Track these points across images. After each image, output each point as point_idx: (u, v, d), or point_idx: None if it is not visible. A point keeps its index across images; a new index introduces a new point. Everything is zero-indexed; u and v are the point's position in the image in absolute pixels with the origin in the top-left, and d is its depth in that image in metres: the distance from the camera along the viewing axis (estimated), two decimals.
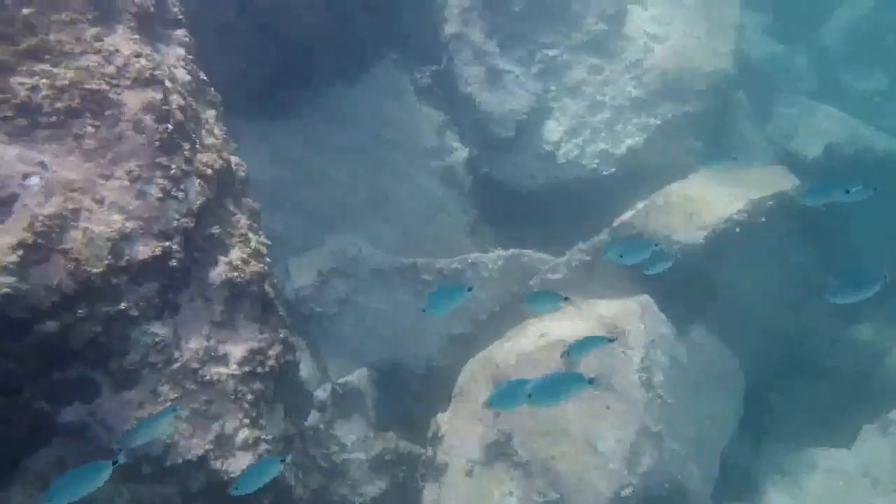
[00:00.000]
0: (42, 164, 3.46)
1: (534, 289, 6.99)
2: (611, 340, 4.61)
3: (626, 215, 6.98)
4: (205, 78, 4.76)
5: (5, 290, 3.24)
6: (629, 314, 5.49)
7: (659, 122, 7.81)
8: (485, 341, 6.52)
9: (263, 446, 4.02)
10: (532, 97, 8.12)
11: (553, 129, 8.15)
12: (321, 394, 6.07)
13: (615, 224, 6.97)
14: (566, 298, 4.36)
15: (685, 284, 6.54)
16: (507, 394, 3.73)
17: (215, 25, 5.97)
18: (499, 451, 5.32)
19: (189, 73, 4.51)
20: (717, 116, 7.95)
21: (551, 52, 8.32)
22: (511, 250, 7.28)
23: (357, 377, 6.18)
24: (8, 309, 3.30)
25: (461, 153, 8.24)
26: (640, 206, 7.12)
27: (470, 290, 3.56)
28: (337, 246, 6.99)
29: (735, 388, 6.21)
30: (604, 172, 7.97)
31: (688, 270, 6.45)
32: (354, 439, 5.86)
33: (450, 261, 7.19)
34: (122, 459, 2.96)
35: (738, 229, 6.54)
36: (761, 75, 10.34)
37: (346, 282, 6.76)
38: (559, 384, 3.53)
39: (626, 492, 4.82)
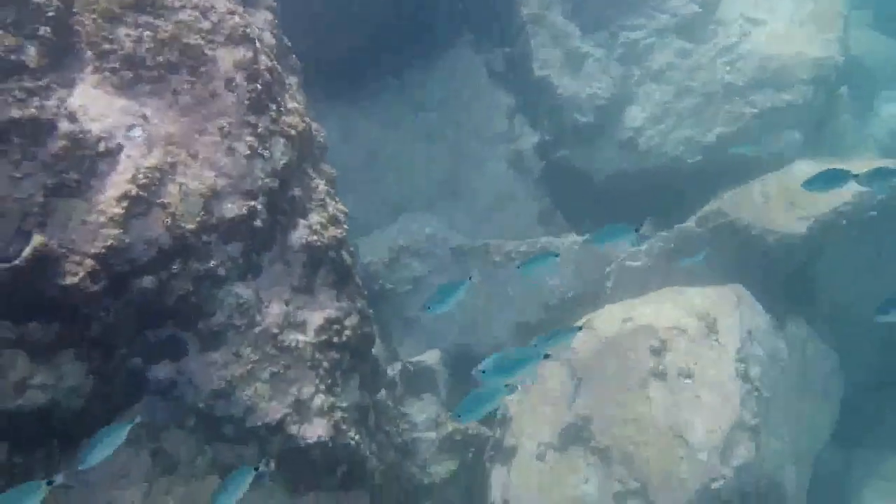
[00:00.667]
0: (144, 117, 3.49)
1: (611, 276, 6.70)
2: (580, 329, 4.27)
3: (715, 204, 6.59)
4: (288, 44, 4.74)
5: (110, 241, 3.27)
6: (724, 303, 5.15)
7: (755, 111, 7.34)
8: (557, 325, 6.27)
9: (339, 413, 3.96)
10: (614, 82, 7.80)
11: (635, 115, 7.81)
12: (390, 371, 5.99)
13: (702, 212, 6.60)
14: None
15: (782, 279, 6.12)
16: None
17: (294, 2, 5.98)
18: (575, 436, 5.09)
19: (274, 37, 4.50)
20: (820, 107, 7.40)
21: (635, 35, 7.99)
22: (587, 235, 7.02)
23: (429, 357, 6.07)
24: (111, 262, 3.33)
25: (532, 139, 8.05)
26: (728, 194, 6.72)
27: (471, 279, 3.37)
28: (410, 224, 6.92)
29: (834, 389, 5.75)
30: (689, 161, 7.57)
31: (786, 264, 6.03)
32: (425, 418, 5.75)
33: (519, 243, 7.00)
34: (58, 480, 2.85)
35: (844, 222, 6.06)
36: (864, 69, 9.64)
37: (421, 260, 6.67)
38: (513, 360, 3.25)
39: (717, 484, 4.50)
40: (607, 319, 5.53)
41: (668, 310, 5.31)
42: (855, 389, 6.62)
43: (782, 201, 6.09)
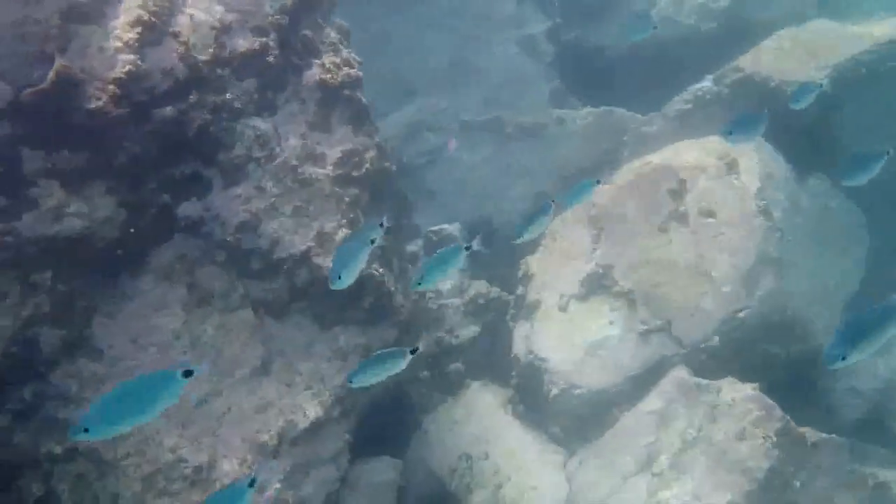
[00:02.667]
0: None
1: (626, 144, 6.65)
2: (598, 182, 4.14)
3: (731, 63, 6.44)
4: None
5: (129, 67, 3.29)
6: (743, 147, 5.07)
7: None
8: None
9: None
10: None
11: None
12: (412, 247, 6.08)
13: (719, 71, 6.45)
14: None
15: (802, 133, 6.00)
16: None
17: None
18: (596, 284, 5.17)
19: None
20: None
21: None
22: (602, 107, 6.94)
23: (451, 227, 6.13)
24: (131, 89, 3.37)
25: (542, 24, 7.87)
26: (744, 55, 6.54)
27: (468, 248, 3.23)
28: (423, 103, 6.88)
29: (860, 244, 5.70)
30: (702, 28, 7.37)
31: (805, 117, 5.90)
32: (450, 287, 5.86)
33: (534, 115, 6.94)
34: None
35: (864, 70, 5.89)
36: None
37: (436, 134, 6.66)
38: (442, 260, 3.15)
39: (742, 313, 4.57)
40: (625, 171, 5.52)
41: (686, 151, 5.28)
42: (877, 254, 6.60)
43: (799, 53, 5.92)
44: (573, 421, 5.01)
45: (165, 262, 3.73)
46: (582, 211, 5.53)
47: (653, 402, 4.48)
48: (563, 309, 5.23)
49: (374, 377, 2.75)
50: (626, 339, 4.84)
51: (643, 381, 4.68)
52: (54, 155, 3.28)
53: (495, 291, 5.92)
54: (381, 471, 4.19)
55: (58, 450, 3.25)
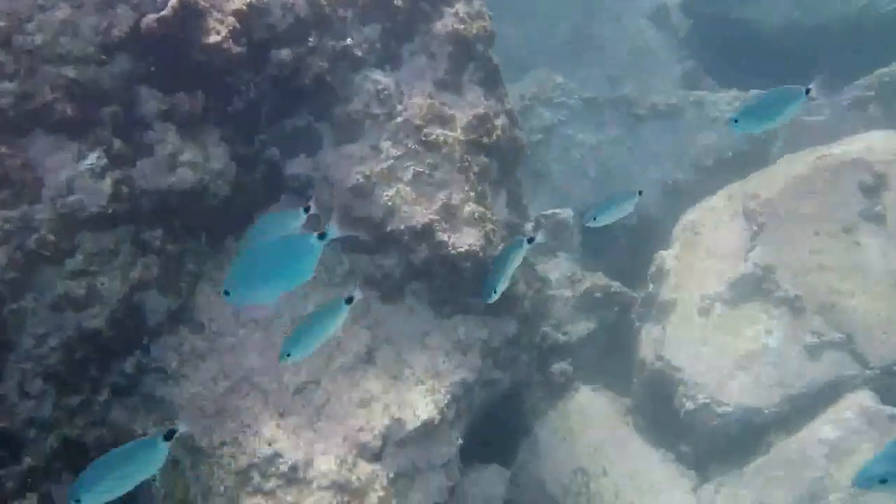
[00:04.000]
0: None
1: (779, 135, 5.77)
2: (640, 193, 3.28)
3: None
4: None
5: None
6: None
7: None
8: (709, 192, 5.47)
9: (489, 226, 3.47)
10: None
11: None
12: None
13: None
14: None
15: None
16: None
17: None
18: (752, 287, 4.42)
19: None
20: None
21: None
22: (752, 91, 6.06)
23: (564, 212, 5.49)
24: (251, 23, 2.95)
25: None
26: None
27: (530, 241, 2.80)
28: (539, 75, 6.24)
29: None
30: (887, 7, 6.30)
31: None
32: (559, 276, 5.23)
33: (668, 95, 6.15)
34: None
35: None
36: None
37: (553, 109, 6.01)
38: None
39: None
40: (793, 161, 4.69)
41: (882, 142, 4.40)
42: None
43: None
44: (709, 442, 4.32)
45: None
46: (737, 202, 4.77)
47: (825, 429, 3.75)
48: (705, 313, 4.51)
49: None
50: (789, 353, 4.08)
51: (809, 403, 3.94)
52: (171, 96, 2.89)
53: (617, 286, 5.24)
54: (491, 482, 3.67)
55: (153, 430, 2.89)
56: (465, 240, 3.40)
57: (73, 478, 2.82)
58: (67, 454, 2.78)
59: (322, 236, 2.18)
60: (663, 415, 4.63)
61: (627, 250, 5.76)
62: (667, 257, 4.99)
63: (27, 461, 2.66)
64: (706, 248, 4.78)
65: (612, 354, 5.19)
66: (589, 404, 4.66)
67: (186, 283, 3.04)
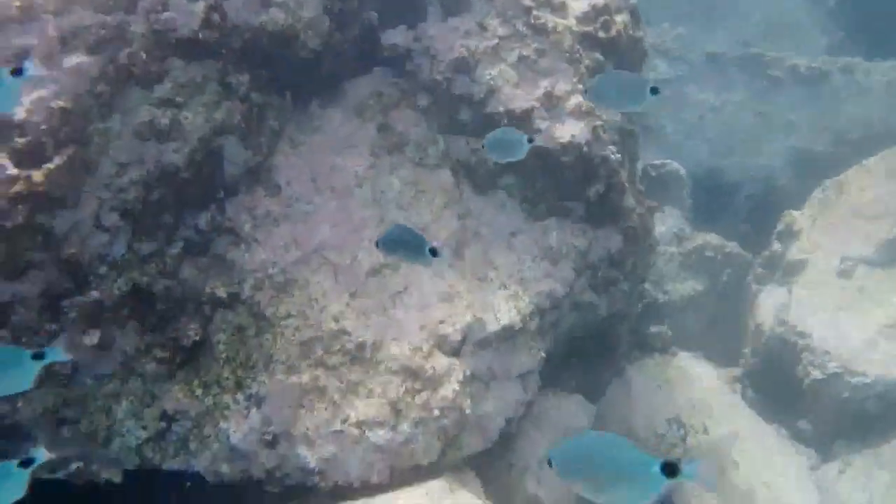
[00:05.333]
0: None
1: None
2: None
3: None
4: None
5: None
6: None
7: None
8: (852, 163, 4.77)
9: (598, 122, 3.11)
10: None
11: None
12: None
13: None
14: None
15: None
16: None
17: None
18: None
19: None
20: None
21: None
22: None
23: (674, 163, 5.00)
24: None
25: None
26: None
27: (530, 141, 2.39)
28: (663, 27, 5.81)
29: None
30: None
31: None
32: (665, 231, 4.74)
33: (811, 59, 5.53)
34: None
35: None
36: None
37: (671, 62, 5.56)
38: None
39: None
40: None
41: None
42: None
43: None
44: (836, 417, 3.72)
45: (361, 97, 3.13)
46: (893, 162, 4.16)
47: None
48: (845, 275, 3.93)
49: None
50: None
51: None
52: None
53: (733, 246, 4.68)
54: (572, 412, 3.25)
55: (222, 293, 2.75)
56: (567, 131, 3.05)
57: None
58: (135, 301, 2.66)
59: (40, 356, 1.78)
60: (780, 387, 4.03)
61: (745, 218, 5.18)
62: (798, 216, 4.41)
63: (94, 295, 2.55)
64: (851, 208, 4.19)
65: (718, 323, 4.62)
66: (691, 365, 4.12)
67: (266, 139, 2.89)
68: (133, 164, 2.60)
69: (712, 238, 4.71)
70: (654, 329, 4.26)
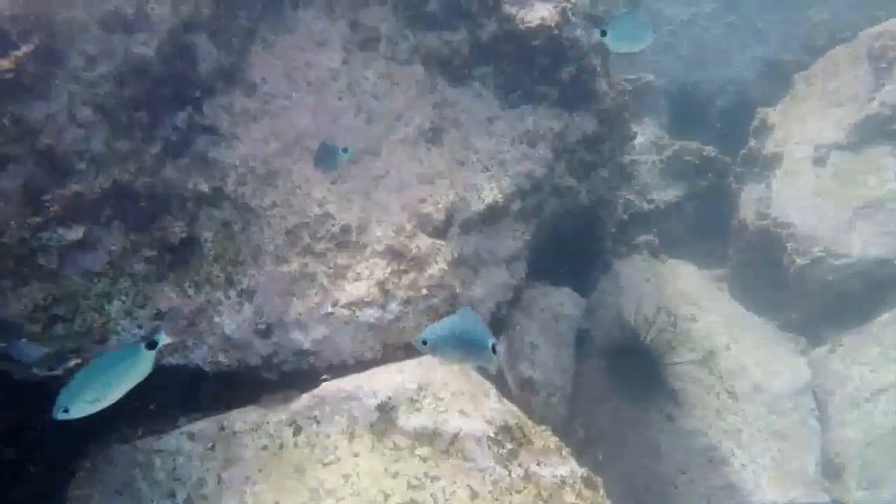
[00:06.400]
0: None
1: None
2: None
3: None
4: None
5: None
6: None
7: None
8: None
9: (567, 4, 3.16)
10: None
11: None
12: None
13: None
14: None
15: None
16: None
17: None
18: (877, 131, 3.95)
19: None
20: None
21: None
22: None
23: (648, 75, 5.07)
24: None
25: None
26: None
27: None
28: None
29: None
30: None
31: None
32: (643, 140, 4.81)
33: None
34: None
35: None
36: None
37: None
38: None
39: None
40: None
41: None
42: None
43: None
44: (822, 301, 3.83)
45: None
46: (858, 48, 4.24)
47: None
48: (819, 162, 4.02)
49: None
50: None
51: None
52: None
53: (711, 150, 4.76)
54: (562, 302, 3.31)
55: (205, 188, 2.79)
56: (536, 14, 3.11)
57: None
58: (118, 199, 2.69)
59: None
60: (766, 282, 4.12)
61: (720, 128, 5.25)
62: (771, 112, 4.50)
63: (74, 188, 2.57)
64: (819, 97, 4.27)
65: (702, 228, 4.71)
66: (678, 264, 4.21)
67: (238, 38, 2.91)
68: (102, 58, 2.62)
69: (690, 143, 4.78)
70: (640, 240, 4.34)
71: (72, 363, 2.62)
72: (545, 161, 3.19)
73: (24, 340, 2.54)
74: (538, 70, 3.21)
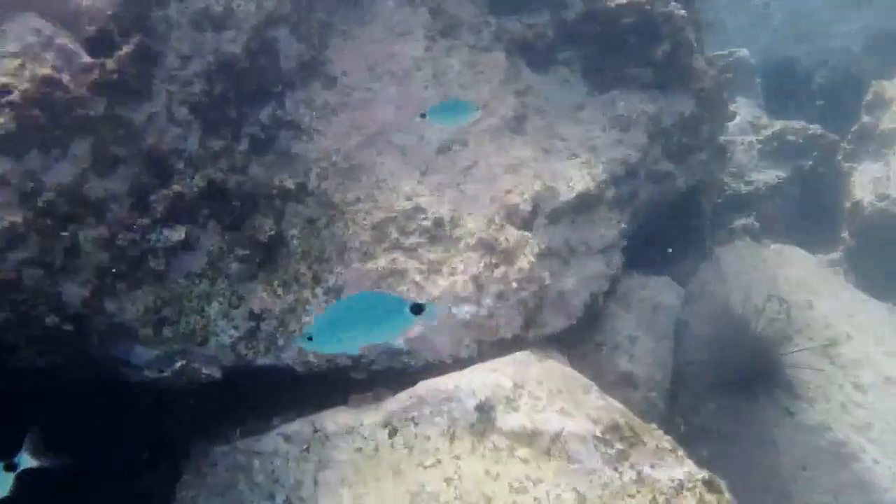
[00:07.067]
0: None
1: None
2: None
3: None
4: None
5: None
6: None
7: None
8: None
9: None
10: None
11: None
12: None
13: None
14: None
15: None
16: None
17: None
18: None
19: None
20: None
21: None
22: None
23: (742, 51, 4.76)
24: None
25: None
26: None
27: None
28: None
29: None
30: None
31: None
32: (739, 120, 4.51)
33: None
34: None
35: None
36: None
37: None
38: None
39: None
40: None
41: None
42: None
43: None
44: None
45: None
46: None
47: None
48: None
49: None
50: None
51: None
52: None
53: (816, 128, 4.42)
54: (660, 292, 3.11)
55: (290, 184, 2.77)
56: None
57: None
58: (212, 197, 2.71)
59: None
60: (887, 266, 3.78)
61: (823, 105, 4.88)
62: (888, 85, 4.13)
63: (175, 188, 2.60)
64: None
65: (805, 211, 4.37)
66: (785, 249, 3.91)
67: (318, 32, 2.89)
68: (194, 56, 2.65)
69: (793, 123, 4.45)
70: (738, 224, 4.07)
71: (178, 365, 2.65)
72: (639, 145, 3.02)
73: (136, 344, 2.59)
74: (628, 50, 3.04)
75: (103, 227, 2.43)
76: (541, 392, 2.48)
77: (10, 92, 2.14)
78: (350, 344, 1.83)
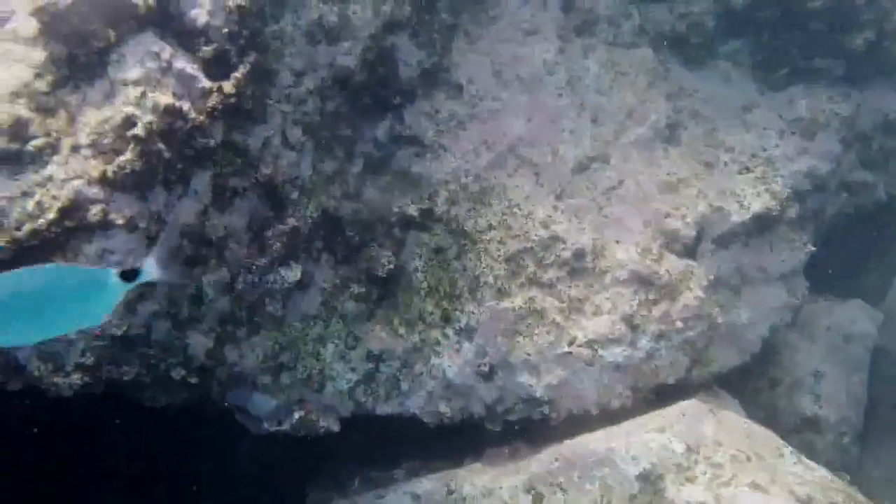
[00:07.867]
0: None
1: None
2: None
3: None
4: None
5: None
6: None
7: None
8: None
9: None
10: None
11: None
12: None
13: None
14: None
15: None
16: None
17: None
18: None
19: None
20: None
21: None
22: None
23: None
24: None
25: None
26: None
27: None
28: None
29: None
30: None
31: None
32: None
33: None
34: None
35: None
36: None
37: None
38: None
39: None
40: None
41: None
42: None
43: None
44: None
45: None
46: None
47: None
48: None
49: None
50: None
51: None
52: None
53: None
54: (853, 319, 2.62)
55: (413, 211, 2.46)
56: None
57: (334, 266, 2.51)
58: (325, 229, 2.47)
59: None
60: None
61: None
62: None
63: (291, 221, 2.37)
64: None
65: None
66: None
67: (440, 35, 2.59)
68: (308, 73, 2.41)
69: None
70: None
71: (296, 417, 2.45)
72: (830, 155, 2.53)
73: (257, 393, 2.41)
74: (815, 39, 2.53)
75: (224, 270, 2.23)
76: (721, 457, 2.08)
77: (134, 124, 1.97)
78: (28, 332, 1.34)
